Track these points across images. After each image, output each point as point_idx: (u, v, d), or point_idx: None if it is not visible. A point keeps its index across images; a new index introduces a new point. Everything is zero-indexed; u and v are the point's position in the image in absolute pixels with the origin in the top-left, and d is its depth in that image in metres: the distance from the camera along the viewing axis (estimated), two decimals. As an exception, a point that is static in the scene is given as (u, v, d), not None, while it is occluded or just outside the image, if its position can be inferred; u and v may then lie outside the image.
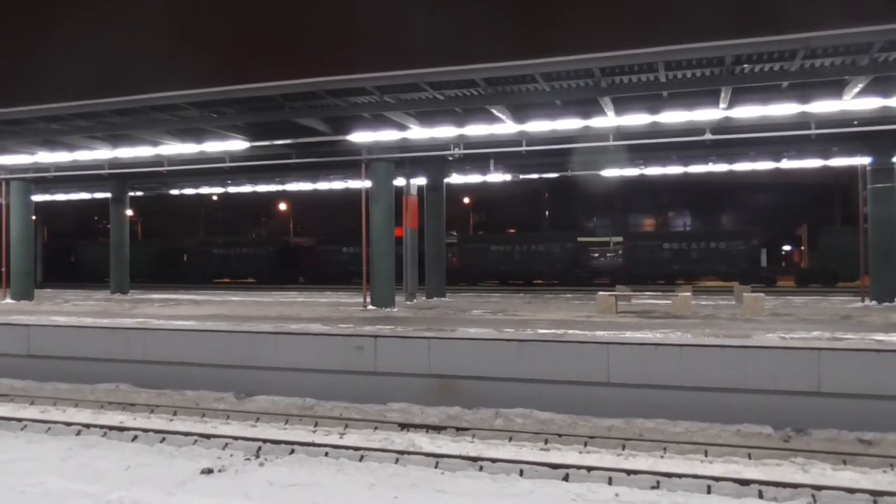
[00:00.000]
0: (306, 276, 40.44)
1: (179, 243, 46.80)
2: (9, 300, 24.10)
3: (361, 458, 9.58)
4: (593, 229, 52.58)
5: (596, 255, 36.58)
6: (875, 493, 7.99)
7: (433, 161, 22.06)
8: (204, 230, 62.13)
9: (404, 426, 11.38)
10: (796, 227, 43.15)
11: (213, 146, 19.56)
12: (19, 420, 11.83)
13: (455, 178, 25.12)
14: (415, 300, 21.92)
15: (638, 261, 34.58)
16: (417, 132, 17.81)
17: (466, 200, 57.31)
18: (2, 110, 17.83)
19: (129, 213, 29.90)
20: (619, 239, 36.64)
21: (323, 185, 27.84)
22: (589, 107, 16.18)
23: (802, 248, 33.01)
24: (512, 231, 50.07)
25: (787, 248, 33.36)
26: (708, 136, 16.89)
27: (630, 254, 35.26)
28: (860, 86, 14.07)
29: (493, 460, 9.29)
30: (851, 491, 8.04)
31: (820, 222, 39.44)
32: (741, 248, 33.28)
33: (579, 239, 37.44)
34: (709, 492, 8.28)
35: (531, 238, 38.14)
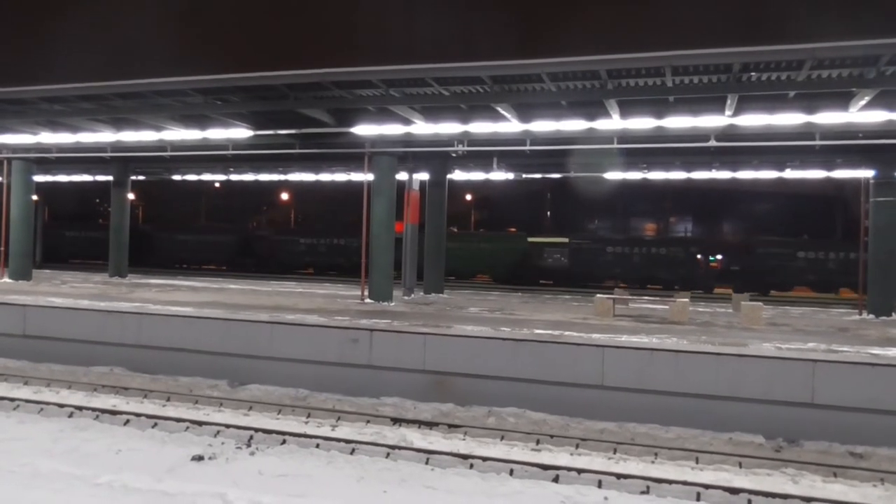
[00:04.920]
0: (264, 265, 40.56)
1: (145, 228, 46.88)
2: (7, 280, 24.08)
3: (352, 452, 9.58)
4: (548, 230, 52.85)
5: (545, 255, 36.90)
6: (864, 507, 8.00)
7: (436, 157, 22.04)
8: (177, 216, 61.69)
9: (396, 421, 11.37)
10: (737, 237, 43.81)
11: (216, 133, 19.53)
12: (12, 400, 11.83)
13: (457, 175, 25.11)
14: (413, 295, 21.90)
15: (581, 263, 35.07)
16: (421, 127, 17.78)
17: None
18: (5, 89, 17.79)
19: (131, 196, 29.85)
20: (565, 240, 37.07)
21: (325, 177, 27.80)
22: (594, 108, 16.15)
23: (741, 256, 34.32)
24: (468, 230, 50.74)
25: (720, 256, 34.74)
26: (712, 143, 16.86)
27: (574, 256, 35.64)
28: (866, 98, 14.05)
29: (484, 459, 9.29)
30: (841, 504, 8.04)
31: (757, 232, 40.37)
32: (681, 255, 34.11)
33: (529, 239, 38.10)
34: (698, 499, 8.28)
35: (483, 237, 39.19)
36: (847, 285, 30.53)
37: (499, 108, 16.18)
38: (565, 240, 37.15)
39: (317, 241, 40.51)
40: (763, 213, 50.38)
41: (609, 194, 49.10)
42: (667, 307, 17.41)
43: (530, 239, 37.65)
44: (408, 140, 19.11)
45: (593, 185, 33.86)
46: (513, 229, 45.60)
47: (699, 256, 34.65)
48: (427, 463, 9.27)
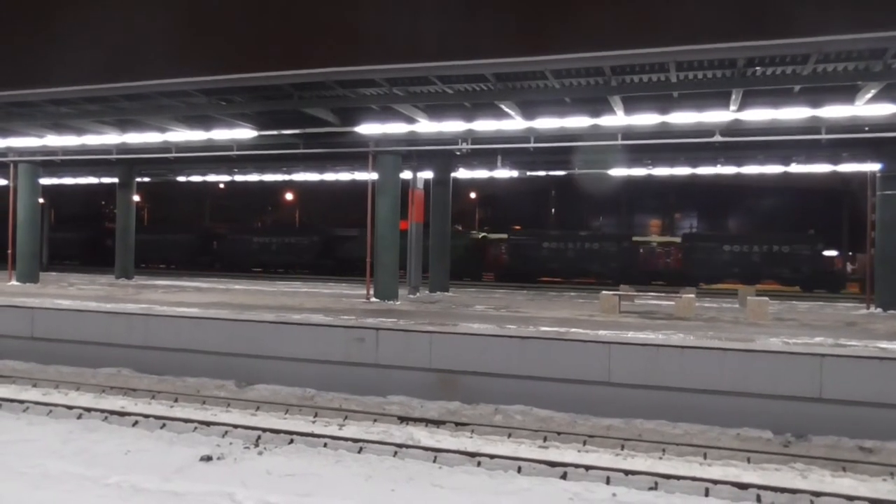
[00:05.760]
0: (222, 263, 40.93)
1: (111, 228, 47.08)
2: (14, 282, 24.19)
3: (360, 450, 9.59)
4: (497, 225, 53.32)
5: (491, 250, 37.34)
6: (874, 502, 7.97)
7: (440, 155, 22.04)
8: (151, 218, 61.75)
9: (403, 419, 11.38)
10: (675, 232, 44.24)
11: (220, 134, 19.55)
12: (21, 402, 11.88)
13: (462, 173, 25.12)
14: (418, 294, 21.91)
15: (519, 258, 35.41)
16: (425, 126, 17.77)
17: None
18: (11, 92, 17.85)
19: (136, 198, 29.96)
20: (504, 236, 37.53)
21: (329, 176, 27.84)
22: (598, 105, 16.11)
23: (678, 251, 34.87)
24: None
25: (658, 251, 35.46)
26: (717, 139, 16.81)
27: (512, 251, 36.01)
28: (873, 91, 13.98)
29: (492, 456, 9.28)
30: (850, 498, 8.01)
31: (690, 227, 40.85)
32: (613, 249, 34.71)
33: (474, 234, 38.82)
34: (707, 494, 8.26)
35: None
36: (771, 277, 32.15)
37: (503, 106, 16.16)
38: (504, 235, 37.94)
39: (270, 239, 41.56)
40: (692, 209, 52.64)
41: (559, 191, 50.11)
42: (672, 303, 17.37)
43: (476, 234, 38.78)
44: (412, 139, 19.11)
45: (538, 183, 34.30)
46: (460, 227, 46.11)
47: (641, 251, 35.59)
48: (435, 461, 9.27)
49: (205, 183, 36.33)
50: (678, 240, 37.18)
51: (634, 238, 36.92)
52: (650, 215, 56.42)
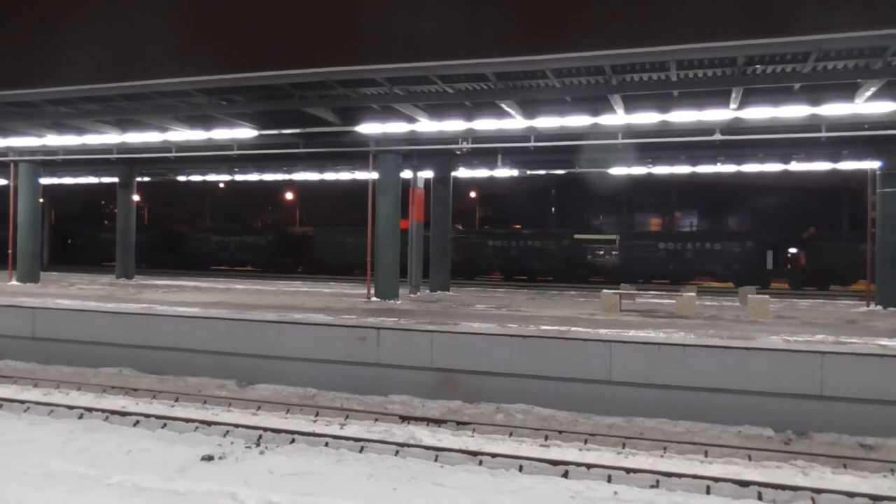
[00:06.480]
0: (182, 261, 41.18)
1: (73, 226, 46.93)
2: (15, 282, 24.20)
3: (361, 450, 9.60)
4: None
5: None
6: (875, 498, 7.98)
7: (441, 154, 22.04)
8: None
9: (405, 418, 11.40)
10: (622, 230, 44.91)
11: (221, 133, 19.55)
12: (22, 402, 11.89)
13: (462, 172, 25.13)
14: (419, 293, 21.92)
15: (464, 256, 35.59)
16: (426, 125, 17.77)
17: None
18: (11, 92, 17.85)
19: (136, 197, 29.96)
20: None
21: (330, 176, 27.86)
22: (598, 104, 16.11)
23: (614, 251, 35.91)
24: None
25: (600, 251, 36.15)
26: (717, 137, 16.80)
27: (457, 249, 36.00)
28: (873, 89, 13.99)
29: (493, 455, 9.29)
30: (851, 495, 8.03)
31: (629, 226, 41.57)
32: (554, 247, 35.19)
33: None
34: (708, 492, 8.27)
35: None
36: (705, 274, 33.06)
37: (503, 105, 16.16)
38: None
39: (228, 238, 42.11)
40: (636, 207, 53.59)
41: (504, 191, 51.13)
42: (674, 302, 17.38)
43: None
44: (412, 138, 19.10)
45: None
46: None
47: (582, 248, 35.98)
48: (436, 460, 9.28)
49: (169, 182, 36.95)
50: (616, 237, 37.52)
51: (576, 236, 37.15)
52: (600, 214, 56.63)
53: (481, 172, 25.01)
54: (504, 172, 24.31)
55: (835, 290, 30.43)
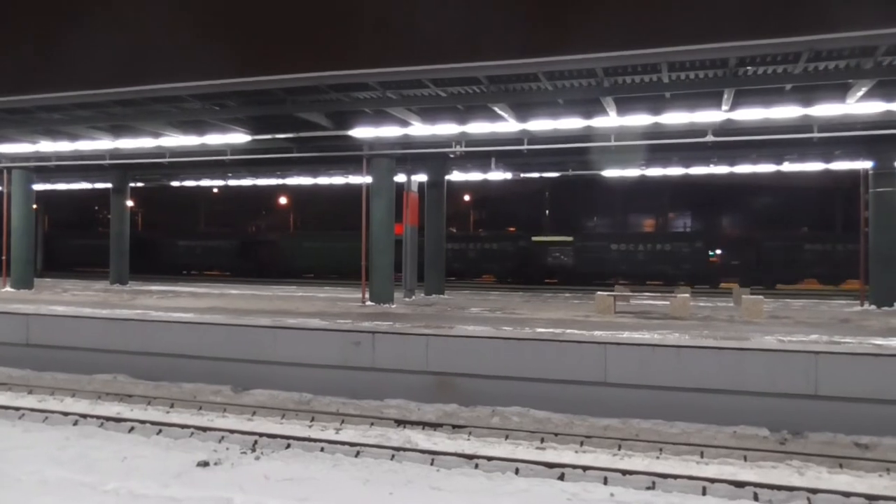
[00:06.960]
0: (150, 266, 41.29)
1: (44, 232, 47.19)
2: (8, 288, 24.11)
3: (357, 454, 9.59)
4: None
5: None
6: (870, 498, 8.00)
7: (434, 158, 22.05)
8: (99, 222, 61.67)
9: (401, 423, 11.39)
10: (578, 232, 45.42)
11: (214, 139, 19.54)
12: (17, 409, 11.84)
13: (456, 176, 25.15)
14: (413, 297, 21.91)
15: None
16: (419, 129, 17.78)
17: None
18: (3, 99, 17.80)
19: (130, 203, 29.90)
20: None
21: (323, 180, 27.85)
22: (591, 107, 16.16)
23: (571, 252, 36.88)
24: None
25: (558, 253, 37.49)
26: (710, 138, 16.86)
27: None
28: (864, 89, 14.06)
29: (489, 458, 9.29)
30: (847, 495, 8.04)
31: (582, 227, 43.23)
32: (511, 249, 35.93)
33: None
34: (704, 493, 8.29)
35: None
36: (656, 274, 34.05)
37: (496, 109, 16.19)
38: None
39: (195, 243, 43.38)
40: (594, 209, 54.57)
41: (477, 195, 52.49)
42: (668, 303, 17.42)
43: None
44: (405, 142, 19.11)
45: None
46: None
47: (538, 250, 36.62)
48: (432, 464, 9.27)
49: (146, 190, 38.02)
50: (571, 239, 37.87)
51: (534, 238, 37.60)
52: (563, 215, 56.91)
53: (475, 175, 25.02)
54: (498, 175, 24.34)
55: (828, 289, 30.61)
